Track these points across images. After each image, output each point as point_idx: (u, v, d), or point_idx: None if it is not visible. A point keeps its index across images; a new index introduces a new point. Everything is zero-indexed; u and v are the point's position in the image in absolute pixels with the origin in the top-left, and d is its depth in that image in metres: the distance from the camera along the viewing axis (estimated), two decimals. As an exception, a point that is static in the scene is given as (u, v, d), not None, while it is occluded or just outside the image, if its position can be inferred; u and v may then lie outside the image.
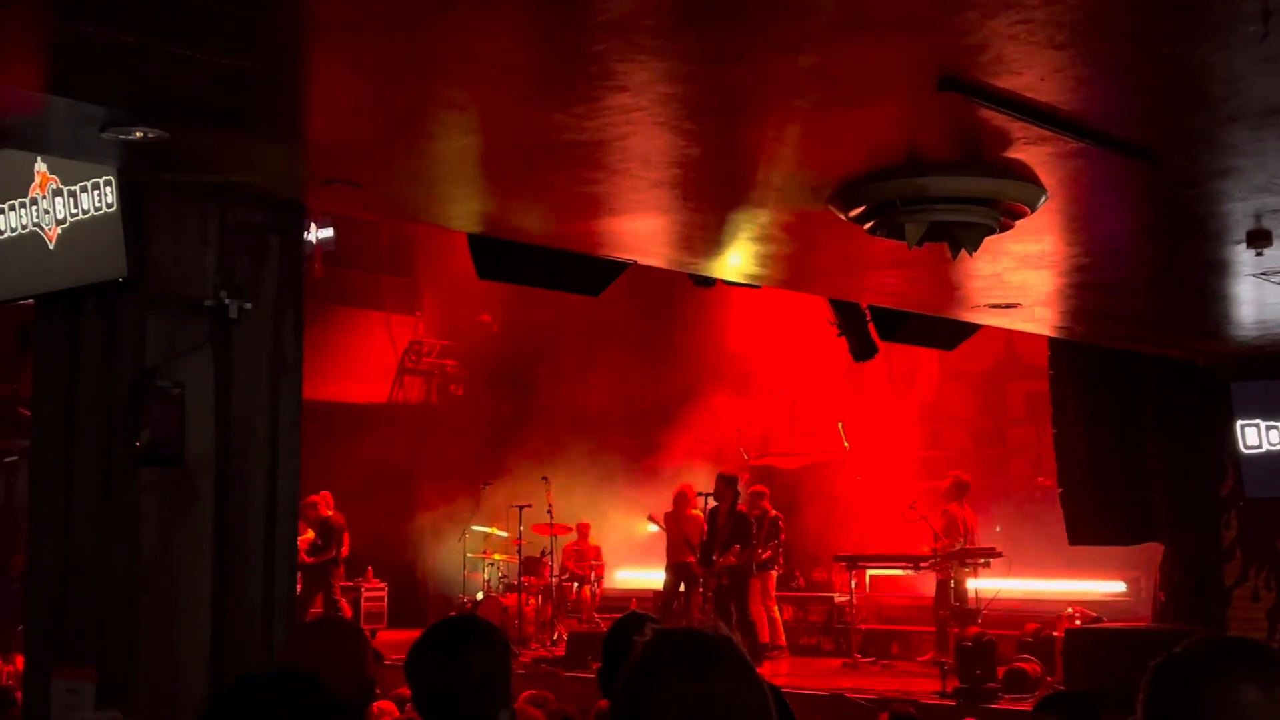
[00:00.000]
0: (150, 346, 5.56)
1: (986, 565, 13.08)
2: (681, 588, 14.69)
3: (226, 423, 5.69)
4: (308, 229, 13.43)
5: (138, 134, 4.85)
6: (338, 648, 3.41)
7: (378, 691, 4.06)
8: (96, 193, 5.69)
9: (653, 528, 15.58)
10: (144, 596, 5.45)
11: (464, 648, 3.09)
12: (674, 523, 14.82)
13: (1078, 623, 12.10)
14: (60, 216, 5.86)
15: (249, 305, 5.72)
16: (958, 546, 13.22)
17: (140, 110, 4.68)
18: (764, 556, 14.15)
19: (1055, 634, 12.04)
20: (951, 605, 13.09)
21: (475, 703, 3.04)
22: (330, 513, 16.21)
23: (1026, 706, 10.29)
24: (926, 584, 13.77)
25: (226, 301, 5.67)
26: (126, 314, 5.63)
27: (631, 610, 4.17)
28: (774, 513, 14.68)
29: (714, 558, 13.90)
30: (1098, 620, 12.31)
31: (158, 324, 5.59)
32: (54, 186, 5.89)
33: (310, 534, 15.87)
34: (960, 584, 13.16)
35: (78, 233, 5.78)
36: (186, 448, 5.52)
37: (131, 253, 5.54)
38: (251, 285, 5.78)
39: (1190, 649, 2.21)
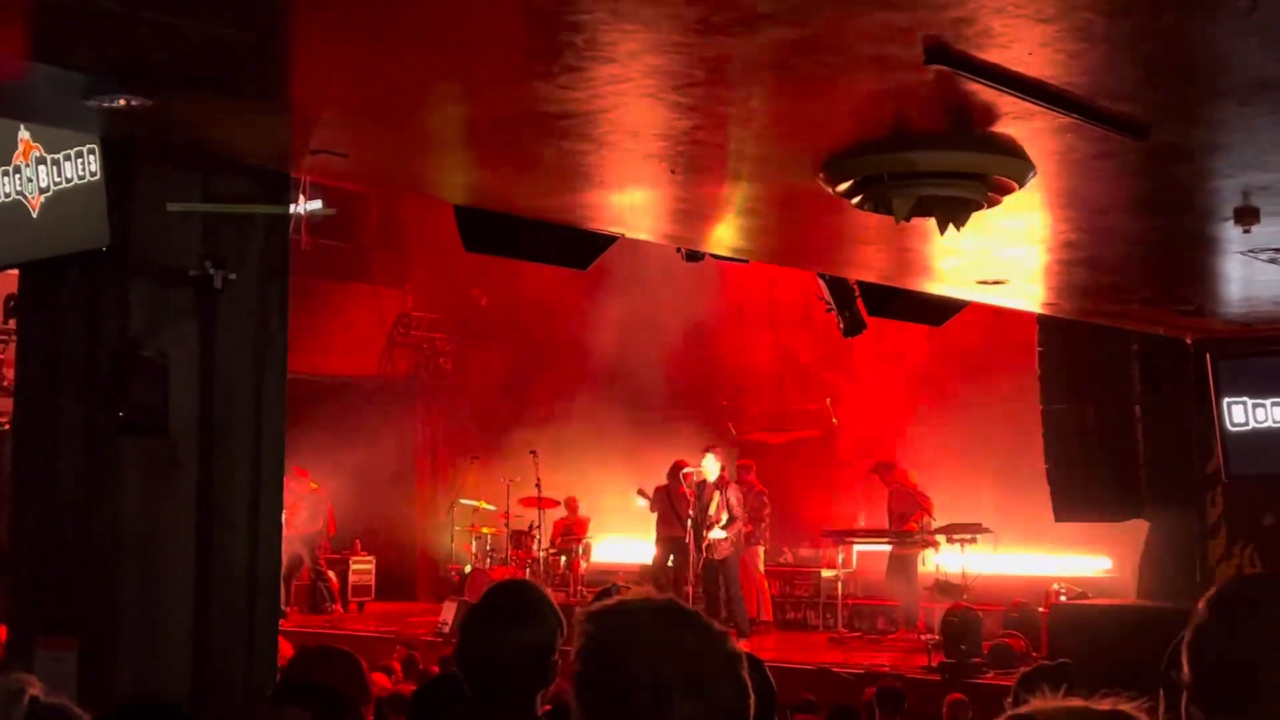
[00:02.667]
0: (134, 316, 5.53)
1: (973, 541, 13.11)
2: (671, 561, 14.71)
3: (210, 393, 5.66)
4: (295, 201, 13.37)
5: (121, 102, 4.81)
6: (337, 674, 3.47)
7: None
8: (80, 161, 5.65)
9: (641, 502, 15.59)
10: (127, 567, 5.44)
11: (526, 617, 3.05)
12: (665, 497, 14.83)
13: (1063, 598, 12.15)
14: (44, 185, 5.82)
15: (234, 275, 5.68)
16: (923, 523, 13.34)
17: (124, 78, 4.64)
18: (748, 530, 14.18)
19: (1041, 609, 12.09)
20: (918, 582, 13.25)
21: (529, 675, 3.01)
22: (315, 486, 16.30)
23: (1011, 681, 10.33)
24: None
25: (211, 272, 5.63)
26: (110, 283, 5.60)
27: (613, 584, 4.16)
28: (760, 487, 14.71)
29: (704, 532, 13.92)
30: (1083, 596, 12.37)
31: (141, 294, 5.56)
32: (37, 154, 5.85)
33: (300, 508, 15.95)
34: (913, 562, 13.31)
35: (61, 201, 5.74)
36: (170, 418, 5.49)
37: (115, 221, 5.51)
38: (236, 255, 5.74)
39: None
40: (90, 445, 5.60)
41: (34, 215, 5.88)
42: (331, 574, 16.53)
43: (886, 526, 14.06)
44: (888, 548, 14.21)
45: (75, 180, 5.65)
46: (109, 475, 5.49)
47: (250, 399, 5.80)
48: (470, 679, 3.04)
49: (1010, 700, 4.62)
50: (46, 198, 5.81)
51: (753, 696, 2.01)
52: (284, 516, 15.20)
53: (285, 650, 7.86)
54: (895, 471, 14.02)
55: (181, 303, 5.63)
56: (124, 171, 5.55)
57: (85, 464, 5.60)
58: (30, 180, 5.88)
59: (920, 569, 13.51)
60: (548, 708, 3.10)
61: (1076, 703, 1.73)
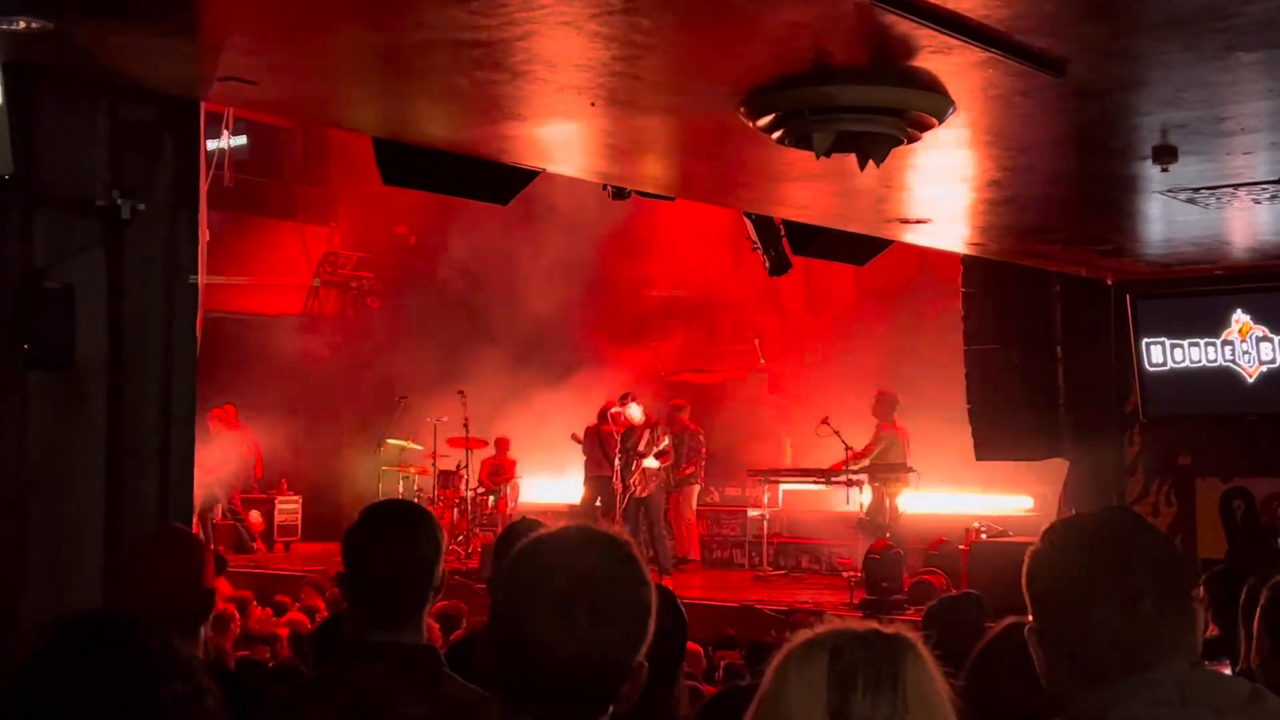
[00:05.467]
0: (38, 246, 5.37)
1: (897, 480, 13.22)
2: (598, 502, 14.75)
3: (119, 326, 5.53)
4: (219, 135, 13.13)
5: (20, 24, 4.65)
6: (170, 560, 3.31)
7: (221, 604, 3.93)
8: (-20, 86, 5.46)
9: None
10: (33, 504, 5.31)
11: (417, 532, 2.99)
12: (595, 437, 14.85)
13: (983, 536, 12.30)
14: (-58, 110, 5.62)
15: (142, 206, 5.53)
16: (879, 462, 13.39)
17: (21, -2, 4.48)
18: (687, 472, 14.27)
19: (962, 547, 12.24)
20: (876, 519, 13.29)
21: (421, 593, 2.95)
22: (241, 425, 16.17)
23: (931, 617, 10.46)
24: (837, 499, 13.90)
25: (119, 201, 5.47)
26: (13, 212, 5.41)
27: (523, 517, 4.12)
28: (694, 428, 14.74)
29: (636, 462, 13.99)
30: (1003, 534, 12.53)
31: (46, 223, 5.40)
32: (-66, 79, 5.64)
33: (222, 445, 15.83)
34: (892, 498, 13.31)
35: (-40, 128, 5.54)
36: (77, 351, 5.36)
37: (18, 149, 5.32)
38: (144, 185, 5.59)
39: None
40: (-7, 379, 5.46)
41: (-68, 142, 5.69)
42: (256, 513, 16.42)
43: (824, 466, 14.05)
44: (815, 487, 14.32)
45: (-26, 106, 5.46)
46: (13, 410, 5.34)
47: (160, 333, 5.67)
48: (364, 593, 2.97)
49: (921, 633, 4.68)
50: (-55, 124, 5.62)
51: (653, 618, 1.99)
52: (207, 454, 15.06)
53: (224, 590, 7.71)
54: (890, 410, 13.77)
55: (88, 233, 5.48)
56: (27, 97, 5.36)
57: (-12, 398, 5.46)
58: (-72, 106, 5.68)
59: (844, 506, 13.63)
60: (460, 634, 3.05)
61: (865, 626, 1.77)
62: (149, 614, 2.96)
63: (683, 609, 3.55)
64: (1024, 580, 2.22)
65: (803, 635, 1.77)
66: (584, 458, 15.08)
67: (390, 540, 2.96)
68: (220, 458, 15.60)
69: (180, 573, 3.25)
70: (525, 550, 2.00)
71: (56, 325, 5.34)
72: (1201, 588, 5.10)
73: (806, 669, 1.71)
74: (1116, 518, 2.24)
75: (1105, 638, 2.09)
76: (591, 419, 15.12)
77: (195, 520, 14.36)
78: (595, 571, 1.95)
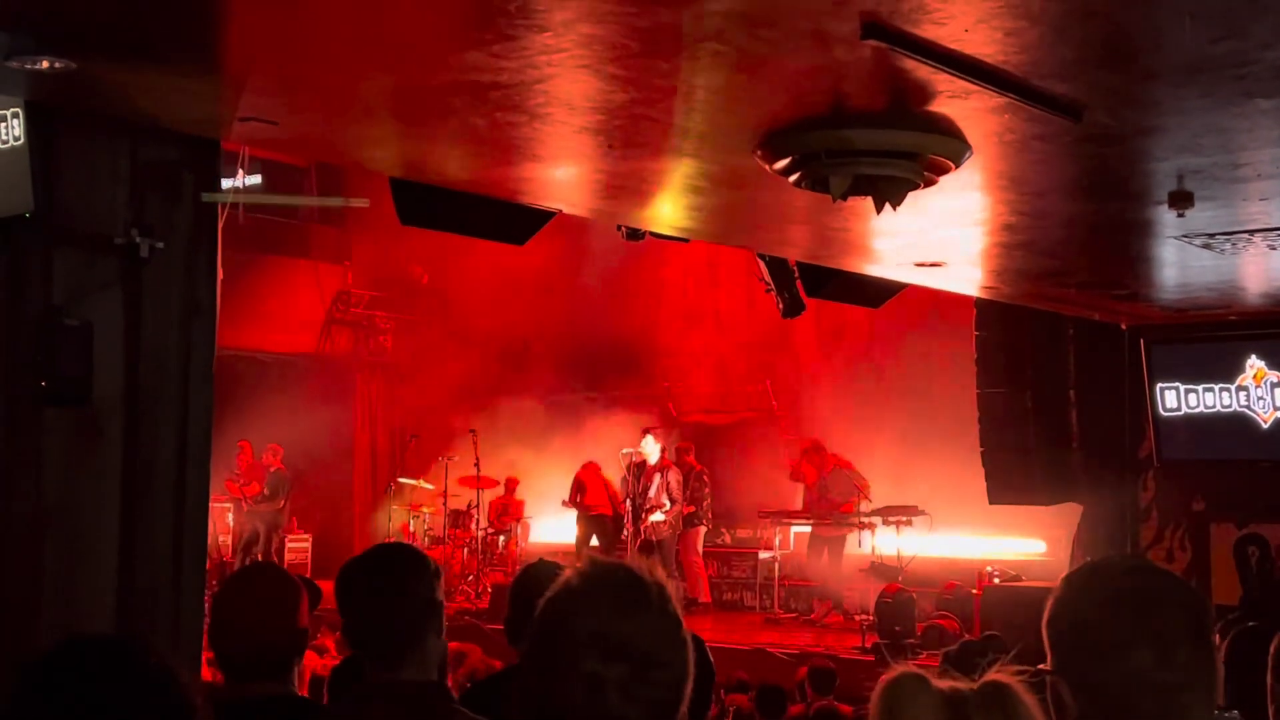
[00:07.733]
0: (57, 284, 5.41)
1: (909, 523, 13.20)
2: (594, 540, 14.72)
3: (136, 364, 5.55)
4: (234, 175, 13.22)
5: (44, 64, 4.69)
6: (267, 596, 3.33)
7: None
8: (3, 125, 5.50)
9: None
10: (48, 540, 5.32)
11: (408, 575, 2.99)
12: (594, 477, 14.86)
13: (996, 581, 12.24)
14: (-35, 149, 5.66)
15: (161, 244, 5.57)
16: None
17: (44, 39, 4.52)
18: (687, 511, 14.23)
19: (974, 591, 12.19)
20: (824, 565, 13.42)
21: (416, 629, 2.95)
22: (280, 465, 16.32)
23: (944, 662, 10.38)
24: (849, 541, 13.86)
25: (138, 240, 5.52)
26: (33, 250, 5.46)
27: (540, 559, 4.10)
28: (699, 468, 14.72)
29: (644, 515, 13.96)
30: (1016, 579, 12.47)
31: (65, 261, 5.44)
32: (-42, 118, 5.68)
33: (257, 485, 16.03)
34: (839, 544, 13.44)
35: (-16, 166, 5.59)
36: (94, 388, 5.38)
37: (39, 187, 5.38)
38: (164, 224, 5.63)
39: None
40: (12, 415, 5.48)
41: (-45, 180, 5.72)
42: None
43: (823, 509, 14.09)
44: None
45: (-2, 144, 5.51)
46: (29, 446, 5.36)
47: (177, 371, 5.69)
48: (362, 636, 2.98)
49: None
50: (-32, 162, 5.66)
51: (691, 679, 1.96)
52: (249, 490, 15.30)
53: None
54: (826, 453, 14.05)
55: (107, 271, 5.52)
56: (48, 136, 5.41)
57: (6, 434, 5.48)
58: (-49, 144, 5.72)
59: (856, 550, 13.59)
60: (499, 665, 3.04)
61: (961, 683, 1.76)
62: (244, 651, 3.04)
63: (710, 656, 3.53)
64: (1046, 630, 2.20)
65: (900, 669, 1.77)
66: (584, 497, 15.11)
67: (366, 587, 2.98)
68: (267, 494, 15.83)
69: (276, 611, 3.28)
70: (553, 609, 1.91)
71: (74, 362, 5.37)
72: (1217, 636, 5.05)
73: (920, 696, 1.71)
74: (1137, 564, 2.24)
75: (1142, 686, 2.07)
76: (600, 458, 15.16)
77: (238, 552, 14.59)
78: (627, 644, 1.86)
